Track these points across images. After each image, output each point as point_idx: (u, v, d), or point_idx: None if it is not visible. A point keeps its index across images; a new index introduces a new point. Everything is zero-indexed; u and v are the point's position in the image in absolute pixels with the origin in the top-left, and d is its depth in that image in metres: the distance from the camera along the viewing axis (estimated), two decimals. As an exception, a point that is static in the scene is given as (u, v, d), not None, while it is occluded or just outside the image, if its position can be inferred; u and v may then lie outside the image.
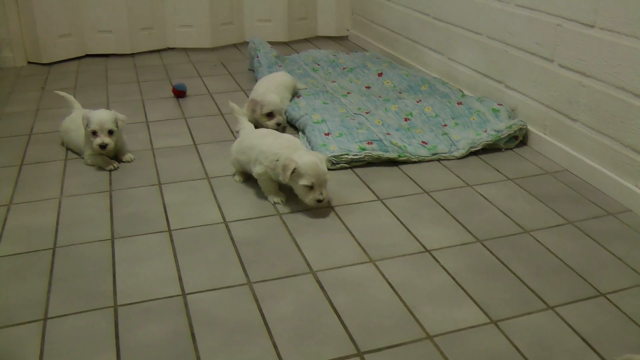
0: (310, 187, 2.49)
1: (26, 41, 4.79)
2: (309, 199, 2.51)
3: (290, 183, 2.54)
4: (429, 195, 2.68)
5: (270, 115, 3.29)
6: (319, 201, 2.51)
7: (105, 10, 4.89)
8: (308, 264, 2.19)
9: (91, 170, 2.99)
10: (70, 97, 3.35)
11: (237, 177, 2.83)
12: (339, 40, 5.39)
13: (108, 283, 2.13)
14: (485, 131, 3.16)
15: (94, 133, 2.96)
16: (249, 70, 4.53)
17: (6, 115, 3.75)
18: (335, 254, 2.25)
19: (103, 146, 2.95)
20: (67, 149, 3.22)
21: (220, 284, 2.10)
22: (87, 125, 2.97)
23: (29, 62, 4.86)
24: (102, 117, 2.97)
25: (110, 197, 2.73)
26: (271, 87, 3.48)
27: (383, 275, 2.12)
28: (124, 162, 3.05)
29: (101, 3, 4.86)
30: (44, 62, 4.80)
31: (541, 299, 2.02)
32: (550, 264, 2.20)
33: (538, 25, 3.09)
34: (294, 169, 2.48)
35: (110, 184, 2.85)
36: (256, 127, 3.06)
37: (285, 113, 3.42)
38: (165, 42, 5.17)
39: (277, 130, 3.17)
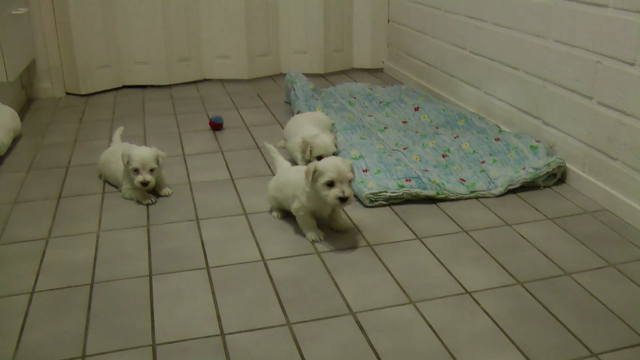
0: (332, 185, 2.50)
1: (65, 72, 4.88)
2: (331, 197, 2.50)
3: (315, 189, 2.55)
4: (468, 234, 2.67)
5: (319, 159, 3.24)
6: (341, 199, 2.49)
7: (143, 41, 4.97)
8: (348, 305, 2.19)
9: (129, 204, 3.02)
10: (119, 135, 3.39)
11: (275, 214, 2.85)
12: (374, 72, 5.42)
13: (146, 320, 2.14)
14: (524, 168, 3.15)
15: (136, 171, 2.99)
16: (286, 102, 4.56)
17: (45, 147, 3.81)
18: (375, 295, 2.25)
19: (145, 184, 2.98)
20: (105, 181, 3.26)
21: (259, 324, 2.10)
22: (128, 163, 3.01)
23: (67, 93, 4.95)
24: (144, 155, 3.00)
25: (148, 232, 2.75)
26: (307, 125, 3.48)
27: (424, 318, 2.11)
28: (161, 196, 3.08)
29: (139, 35, 4.95)
30: (82, 93, 4.89)
31: (585, 345, 1.99)
32: (592, 308, 2.17)
33: (577, 61, 3.08)
34: (315, 170, 2.51)
35: (148, 218, 2.88)
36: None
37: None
38: (202, 74, 5.24)
39: None
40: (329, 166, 2.51)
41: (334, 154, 3.24)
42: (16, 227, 2.83)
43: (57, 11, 4.73)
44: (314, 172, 2.53)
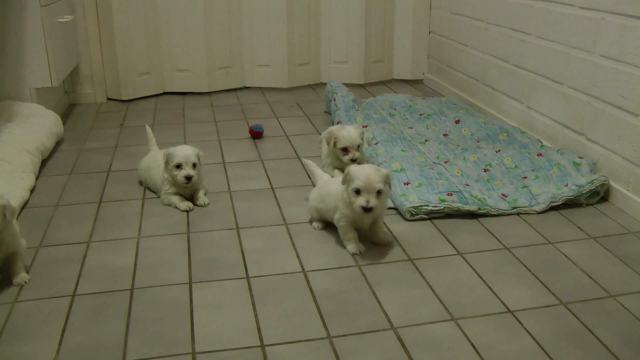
0: (359, 193, 2.50)
1: (107, 78, 4.95)
2: (356, 204, 2.50)
3: (347, 194, 2.56)
4: (510, 251, 2.64)
5: (345, 150, 3.26)
6: (364, 208, 2.48)
7: (184, 49, 5.02)
8: (389, 320, 2.18)
9: (169, 211, 3.04)
10: (152, 136, 3.43)
11: (315, 225, 2.85)
12: (414, 83, 5.40)
13: (186, 329, 2.15)
14: (566, 185, 3.11)
15: (179, 166, 3.02)
16: (325, 112, 4.57)
17: (86, 151, 3.86)
18: (416, 310, 2.23)
19: (189, 178, 3.01)
20: (146, 187, 3.28)
21: (299, 336, 2.10)
22: (169, 161, 3.04)
23: (109, 99, 5.01)
24: (186, 150, 3.06)
25: (188, 239, 2.77)
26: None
27: (466, 336, 2.09)
28: (197, 205, 3.09)
29: (180, 43, 5.00)
30: (123, 98, 4.94)
31: (630, 369, 1.96)
32: (638, 332, 2.13)
33: (624, 77, 3.04)
34: (347, 173, 2.53)
35: (188, 226, 2.90)
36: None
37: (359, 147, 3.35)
38: (242, 81, 5.27)
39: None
40: (359, 174, 2.51)
41: (359, 146, 3.24)
42: (58, 230, 2.87)
43: (101, 19, 4.80)
44: (347, 175, 2.54)
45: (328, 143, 3.26)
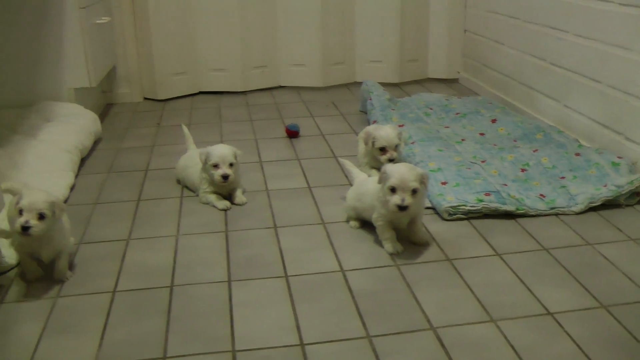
0: (394, 191, 2.50)
1: (143, 78, 5.00)
2: (391, 203, 2.50)
3: (383, 192, 2.56)
4: (549, 252, 2.62)
5: (382, 150, 3.25)
6: (399, 207, 2.49)
7: (220, 49, 5.05)
8: (428, 320, 2.18)
9: (207, 209, 3.06)
10: (189, 135, 3.47)
11: (352, 223, 2.85)
12: (449, 83, 5.39)
13: (226, 326, 2.17)
14: (605, 186, 3.08)
15: (216, 166, 3.05)
16: (360, 111, 4.57)
17: (123, 150, 3.90)
18: (455, 311, 2.23)
19: (225, 177, 3.03)
20: (184, 186, 3.31)
21: (339, 335, 2.11)
22: (207, 160, 3.06)
23: (145, 98, 5.06)
24: (223, 150, 3.07)
25: (227, 238, 2.79)
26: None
27: (505, 337, 2.08)
28: (235, 204, 3.11)
29: (216, 42, 5.04)
30: (159, 98, 4.99)
31: (673, 374, 1.94)
32: (681, 335, 2.11)
33: (665, 78, 3.01)
34: (383, 172, 2.54)
35: (226, 224, 2.92)
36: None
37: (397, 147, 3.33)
38: (277, 81, 5.29)
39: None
40: (395, 172, 2.52)
41: (397, 146, 3.24)
42: (97, 227, 2.91)
43: (138, 20, 4.85)
44: (383, 173, 2.55)
45: (366, 143, 3.26)
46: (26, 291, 2.41)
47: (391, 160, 3.20)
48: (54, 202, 2.36)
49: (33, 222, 2.30)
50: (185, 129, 3.50)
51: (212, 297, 2.34)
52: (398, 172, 2.52)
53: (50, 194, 2.39)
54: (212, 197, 3.10)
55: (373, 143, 3.23)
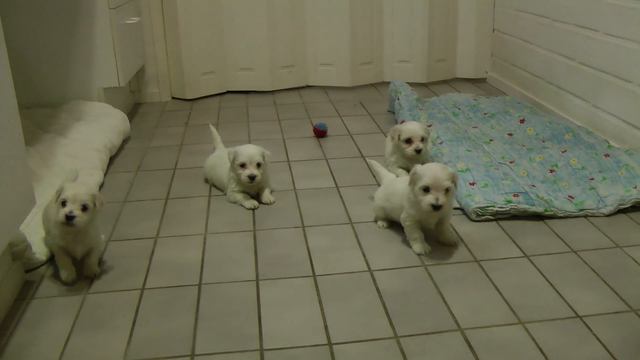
0: (428, 191, 2.50)
1: (172, 78, 5.04)
2: (424, 202, 2.50)
3: (414, 192, 2.56)
4: (577, 254, 2.60)
5: (408, 141, 3.28)
6: (434, 206, 2.49)
7: (248, 49, 5.08)
8: (456, 321, 2.17)
9: (235, 208, 3.08)
10: (217, 135, 3.49)
11: (380, 223, 2.86)
12: (477, 82, 5.36)
13: (254, 325, 2.18)
14: (635, 187, 3.05)
15: (243, 165, 3.06)
16: (388, 111, 4.57)
17: (152, 149, 3.94)
18: (483, 312, 2.22)
19: (252, 177, 3.04)
20: (212, 185, 3.34)
21: (367, 335, 2.11)
22: (234, 160, 3.08)
23: (173, 98, 5.10)
24: (250, 150, 3.08)
25: (255, 237, 2.81)
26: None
27: (534, 340, 2.07)
28: (263, 203, 3.12)
29: (244, 42, 5.06)
30: (187, 97, 5.02)
31: None
32: None
33: (698, 79, 2.97)
34: (414, 172, 2.54)
35: (254, 223, 2.93)
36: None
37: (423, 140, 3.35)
38: (305, 80, 5.31)
39: (415, 157, 3.25)
40: (427, 171, 2.52)
41: (423, 138, 3.26)
42: (126, 225, 2.94)
43: (167, 20, 4.89)
44: (414, 174, 2.55)
45: (393, 138, 3.30)
46: (57, 287, 2.45)
47: (418, 152, 3.25)
48: (96, 195, 2.42)
49: (77, 212, 2.36)
50: (213, 128, 3.53)
51: (240, 296, 2.36)
52: (431, 171, 2.52)
53: (91, 187, 2.44)
54: (240, 197, 3.12)
55: (399, 136, 3.26)
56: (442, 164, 2.60)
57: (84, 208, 2.37)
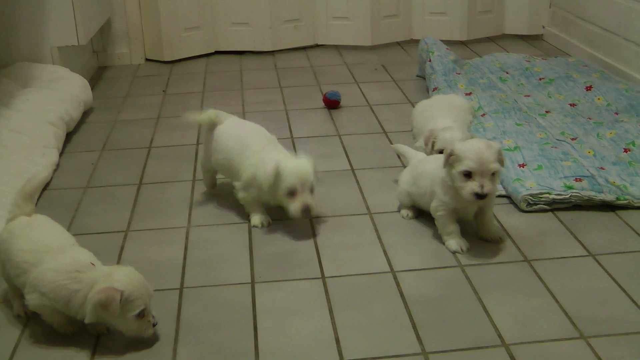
0: (470, 176, 2.48)
1: (146, 35, 5.04)
2: (466, 190, 2.48)
3: (451, 177, 2.54)
4: (657, 254, 2.62)
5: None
6: (478, 195, 2.47)
7: (243, -1, 5.08)
8: (499, 334, 2.18)
9: (224, 196, 3.08)
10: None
11: (404, 212, 2.88)
12: (532, 40, 5.37)
13: (248, 339, 2.20)
14: None
15: (292, 193, 2.72)
16: (418, 76, 4.59)
17: (121, 123, 3.97)
18: (535, 324, 2.23)
19: (307, 210, 2.72)
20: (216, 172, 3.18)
21: (387, 351, 2.13)
22: (276, 180, 2.71)
23: (148, 60, 5.11)
24: (302, 168, 2.74)
25: (249, 231, 2.83)
26: (440, 116, 3.35)
27: (599, 359, 2.08)
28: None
29: (238, -10, 5.06)
30: (165, 59, 5.04)
31: None
32: None
33: None
34: (451, 152, 2.50)
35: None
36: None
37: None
38: (314, 38, 5.32)
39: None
40: (469, 152, 2.49)
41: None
42: (89, 216, 2.97)
43: (140, -38, 4.91)
44: (450, 155, 2.52)
45: (426, 144, 3.22)
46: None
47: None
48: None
49: None
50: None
51: (232, 303, 2.38)
52: (474, 152, 2.48)
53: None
54: (256, 209, 2.89)
55: (433, 144, 3.17)
56: (486, 140, 2.60)
57: None
